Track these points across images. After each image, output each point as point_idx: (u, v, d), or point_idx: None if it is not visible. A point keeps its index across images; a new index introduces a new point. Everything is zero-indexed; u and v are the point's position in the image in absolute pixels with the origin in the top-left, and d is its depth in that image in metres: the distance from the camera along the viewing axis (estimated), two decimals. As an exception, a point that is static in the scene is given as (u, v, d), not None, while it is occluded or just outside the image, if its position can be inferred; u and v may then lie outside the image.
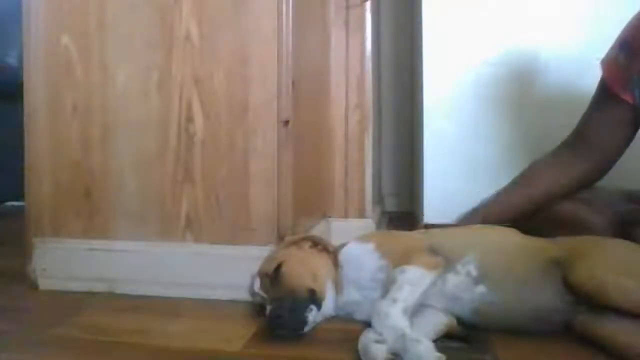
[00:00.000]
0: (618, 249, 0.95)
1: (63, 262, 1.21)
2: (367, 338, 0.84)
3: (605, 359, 0.83)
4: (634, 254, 0.93)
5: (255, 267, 1.03)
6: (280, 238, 1.12)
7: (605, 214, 1.20)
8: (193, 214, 1.16)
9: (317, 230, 1.40)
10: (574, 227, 1.13)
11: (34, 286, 1.21)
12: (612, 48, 1.13)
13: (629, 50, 1.08)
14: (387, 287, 0.91)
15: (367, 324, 0.87)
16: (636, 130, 1.14)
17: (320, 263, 1.01)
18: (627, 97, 1.09)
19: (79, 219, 1.22)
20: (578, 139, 1.16)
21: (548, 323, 0.91)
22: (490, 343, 0.89)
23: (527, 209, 1.15)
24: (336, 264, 1.02)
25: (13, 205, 2.24)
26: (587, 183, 1.18)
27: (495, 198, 1.21)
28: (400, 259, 0.94)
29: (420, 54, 1.76)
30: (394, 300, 0.86)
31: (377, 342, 0.82)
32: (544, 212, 1.17)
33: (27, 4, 1.23)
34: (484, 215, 1.27)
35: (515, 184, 1.22)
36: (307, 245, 1.05)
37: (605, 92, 1.12)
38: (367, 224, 1.58)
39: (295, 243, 1.06)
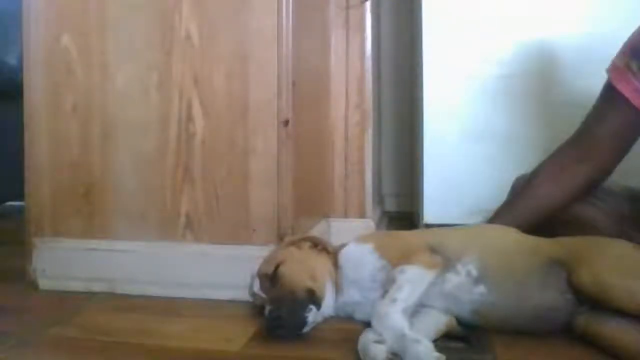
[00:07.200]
0: (621, 250, 0.94)
1: (63, 262, 1.21)
2: (367, 338, 0.84)
3: None
4: (637, 255, 0.92)
5: (255, 267, 1.02)
6: (280, 238, 1.12)
7: (610, 213, 1.19)
8: (193, 213, 1.16)
9: (317, 230, 1.40)
10: (579, 226, 1.12)
11: (34, 286, 1.21)
12: (621, 55, 1.13)
13: None
14: (386, 287, 0.91)
15: (367, 324, 0.87)
16: (637, 138, 1.15)
17: (319, 263, 1.01)
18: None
19: (79, 219, 1.22)
20: (581, 145, 1.16)
21: (548, 323, 0.91)
22: (490, 343, 0.89)
23: (533, 220, 1.15)
24: (336, 264, 1.02)
25: (13, 205, 2.24)
26: (588, 190, 1.18)
27: (499, 212, 1.20)
28: (399, 259, 0.94)
29: (420, 54, 1.76)
30: (394, 300, 0.86)
31: (377, 342, 0.82)
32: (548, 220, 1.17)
33: (27, 4, 1.23)
34: None
35: (519, 195, 1.21)
36: (306, 245, 1.05)
37: (614, 99, 1.12)
38: (367, 224, 1.58)
39: (294, 243, 1.05)
